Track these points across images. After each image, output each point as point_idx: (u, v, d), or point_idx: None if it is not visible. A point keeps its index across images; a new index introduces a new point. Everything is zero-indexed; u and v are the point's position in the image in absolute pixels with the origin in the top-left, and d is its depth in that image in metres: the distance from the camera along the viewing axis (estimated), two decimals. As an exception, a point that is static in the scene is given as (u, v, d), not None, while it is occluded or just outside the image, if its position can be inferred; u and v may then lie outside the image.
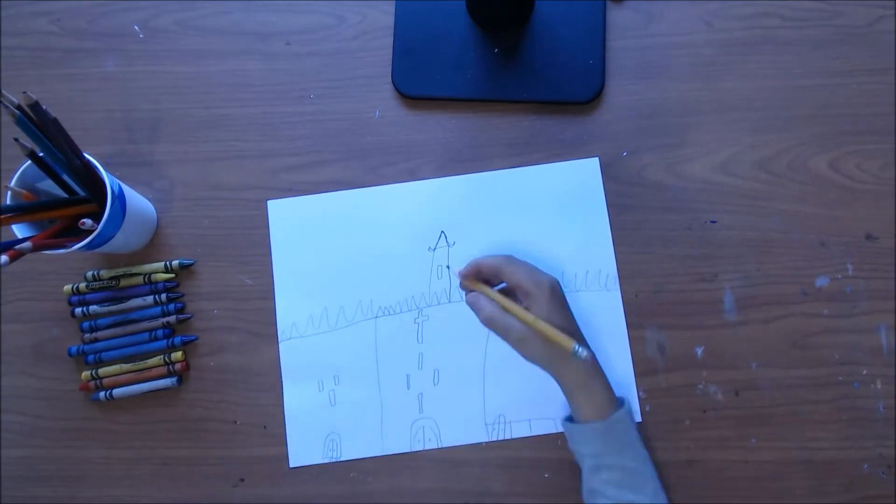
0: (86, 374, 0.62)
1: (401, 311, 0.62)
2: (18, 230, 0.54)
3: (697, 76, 0.64)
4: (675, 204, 0.62)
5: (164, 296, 0.63)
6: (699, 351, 0.61)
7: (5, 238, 0.54)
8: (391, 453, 0.61)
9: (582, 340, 0.53)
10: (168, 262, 0.63)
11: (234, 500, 0.61)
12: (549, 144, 0.64)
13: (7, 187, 0.54)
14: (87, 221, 0.52)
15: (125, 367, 0.62)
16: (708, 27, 0.65)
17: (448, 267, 0.59)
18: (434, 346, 0.62)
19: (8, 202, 0.54)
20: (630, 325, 0.61)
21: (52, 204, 0.55)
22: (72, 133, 0.52)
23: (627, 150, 0.63)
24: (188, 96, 0.66)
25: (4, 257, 0.48)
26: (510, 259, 0.54)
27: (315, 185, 0.65)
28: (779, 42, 0.64)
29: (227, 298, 0.64)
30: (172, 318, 0.63)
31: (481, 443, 0.61)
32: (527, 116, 0.65)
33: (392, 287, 0.63)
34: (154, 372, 0.62)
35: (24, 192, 0.55)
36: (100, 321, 0.63)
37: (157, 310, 0.63)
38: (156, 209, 0.65)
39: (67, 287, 0.63)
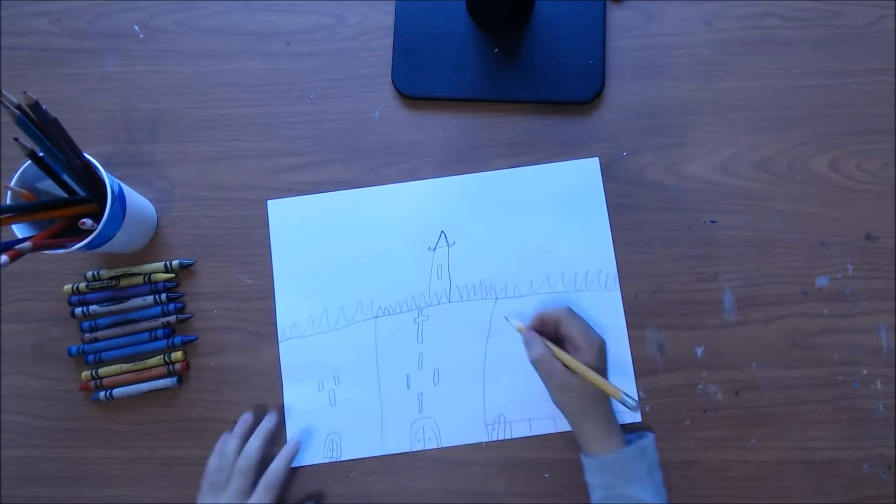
0: (86, 374, 0.62)
1: (401, 311, 0.62)
2: (18, 230, 0.54)
3: (697, 76, 0.64)
4: (675, 204, 0.62)
5: (164, 296, 0.63)
6: (699, 351, 0.61)
7: (5, 238, 0.54)
8: (391, 453, 0.61)
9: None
10: (168, 262, 0.63)
11: (234, 500, 0.61)
12: (549, 144, 0.64)
13: (7, 187, 0.54)
14: (87, 221, 0.52)
15: (125, 367, 0.62)
16: (708, 27, 0.65)
17: (506, 318, 0.60)
18: (434, 345, 0.62)
19: (8, 202, 0.54)
20: (630, 325, 0.61)
21: (52, 204, 0.55)
22: (72, 133, 0.52)
23: (627, 150, 0.63)
24: (188, 96, 0.66)
25: (4, 257, 0.48)
26: (569, 312, 0.56)
27: (315, 185, 0.65)
28: (779, 42, 0.64)
29: (227, 298, 0.64)
30: (172, 318, 0.63)
31: (481, 443, 0.61)
32: (527, 116, 0.65)
33: (392, 287, 0.63)
34: (154, 372, 0.62)
35: (24, 192, 0.55)
36: (100, 321, 0.63)
37: (157, 310, 0.63)
38: (156, 209, 0.65)
39: (67, 287, 0.63)
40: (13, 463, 0.63)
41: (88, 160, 0.54)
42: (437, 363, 0.62)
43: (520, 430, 0.60)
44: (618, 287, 0.62)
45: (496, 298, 0.62)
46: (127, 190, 0.59)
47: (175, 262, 0.63)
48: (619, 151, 0.64)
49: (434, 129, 0.65)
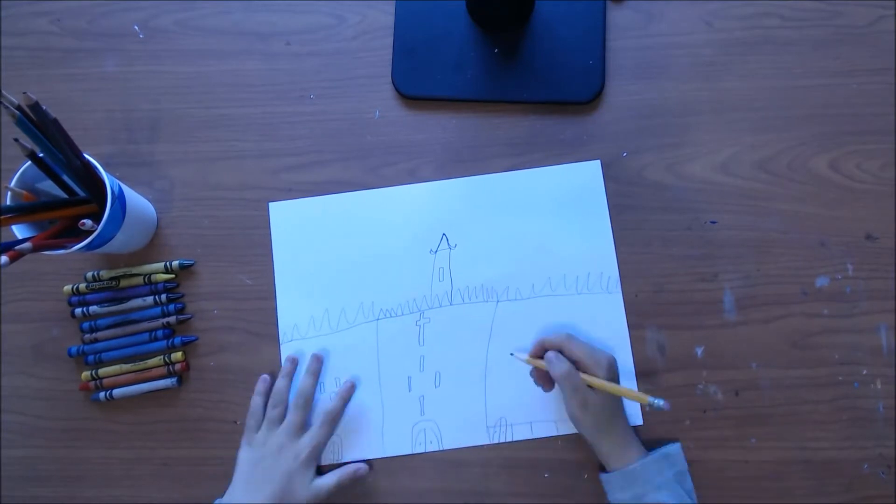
0: (86, 374, 0.62)
1: (402, 314, 0.62)
2: (18, 230, 0.54)
3: (697, 76, 0.64)
4: (675, 204, 0.62)
5: (164, 296, 0.63)
6: (699, 351, 0.61)
7: (5, 238, 0.54)
8: (392, 455, 0.61)
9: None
10: (168, 263, 0.63)
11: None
12: (549, 144, 0.64)
13: (7, 187, 0.54)
14: (87, 222, 0.52)
15: (125, 367, 0.62)
16: (708, 27, 0.65)
17: (512, 354, 0.60)
18: (435, 348, 0.62)
19: (8, 202, 0.54)
20: (630, 326, 0.61)
21: (52, 204, 0.55)
22: (72, 133, 0.52)
23: (627, 150, 0.63)
24: (188, 96, 0.66)
25: (4, 258, 0.48)
26: (570, 337, 0.56)
27: (315, 185, 0.64)
28: (779, 42, 0.64)
29: (227, 298, 0.63)
30: (172, 319, 0.63)
31: (482, 444, 0.61)
32: (527, 116, 0.65)
33: (394, 289, 0.63)
34: (154, 372, 0.62)
35: (24, 192, 0.55)
36: (100, 321, 0.63)
37: (157, 310, 0.63)
38: (156, 209, 0.65)
39: (67, 287, 0.63)
40: (13, 463, 0.63)
41: (88, 160, 0.54)
42: (439, 365, 0.62)
43: (521, 433, 0.60)
44: (619, 290, 0.62)
45: (497, 301, 0.62)
46: (127, 190, 0.59)
47: (175, 263, 0.63)
48: (619, 151, 0.64)
49: (434, 129, 0.65)
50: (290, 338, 0.62)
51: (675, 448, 0.57)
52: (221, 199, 0.65)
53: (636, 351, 0.61)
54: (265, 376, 0.62)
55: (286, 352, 0.62)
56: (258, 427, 0.60)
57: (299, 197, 0.64)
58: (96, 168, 0.54)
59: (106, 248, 0.58)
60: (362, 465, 0.60)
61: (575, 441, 0.59)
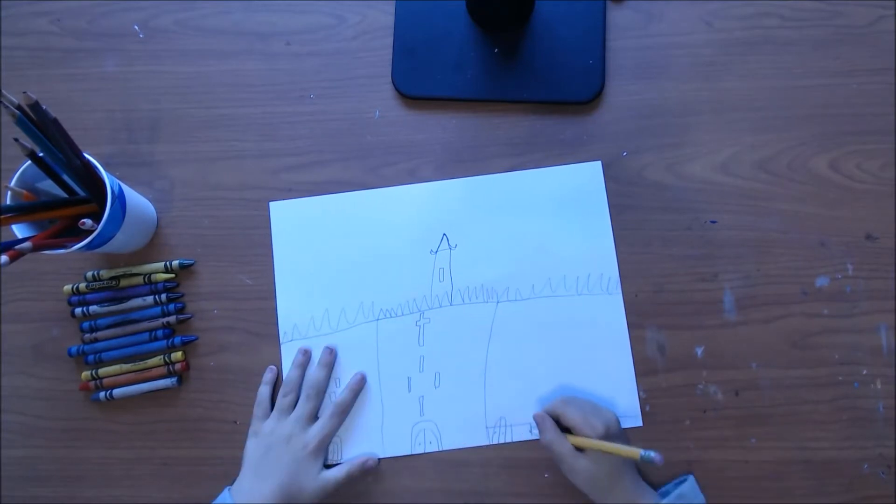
0: (86, 374, 0.62)
1: (402, 314, 0.62)
2: (18, 230, 0.54)
3: (697, 76, 0.64)
4: (675, 204, 0.62)
5: (164, 296, 0.63)
6: (699, 351, 0.61)
7: (5, 238, 0.54)
8: (392, 456, 0.61)
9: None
10: (168, 262, 0.63)
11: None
12: (550, 144, 0.64)
13: (7, 187, 0.54)
14: (87, 221, 0.52)
15: (125, 367, 0.62)
16: (708, 27, 0.65)
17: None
18: (435, 348, 0.62)
19: (8, 202, 0.54)
20: (630, 326, 0.61)
21: (52, 204, 0.55)
22: (72, 133, 0.52)
23: (627, 150, 0.63)
24: (188, 96, 0.66)
25: (4, 257, 0.48)
26: (566, 402, 0.57)
27: (315, 185, 0.64)
28: (779, 42, 0.64)
29: (227, 298, 0.64)
30: (172, 318, 0.63)
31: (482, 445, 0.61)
32: (527, 116, 0.65)
33: (394, 289, 0.63)
34: (154, 372, 0.62)
35: (24, 192, 0.55)
36: (100, 321, 0.63)
37: (157, 310, 0.63)
38: (156, 209, 0.65)
39: (67, 287, 0.63)
40: (13, 463, 0.63)
41: (88, 160, 0.54)
42: (439, 366, 0.62)
43: (521, 434, 0.60)
44: (619, 291, 0.61)
45: (497, 301, 0.62)
46: (127, 190, 0.59)
47: (175, 263, 0.63)
48: (619, 151, 0.64)
49: (434, 129, 0.65)
50: (290, 338, 0.62)
51: (687, 487, 0.56)
52: (221, 199, 0.65)
53: (636, 351, 0.61)
54: (272, 366, 0.62)
55: (286, 352, 0.62)
56: (266, 416, 0.60)
57: (299, 197, 0.64)
58: (96, 168, 0.54)
59: (106, 248, 0.58)
60: (371, 457, 0.60)
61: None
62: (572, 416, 0.55)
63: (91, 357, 0.63)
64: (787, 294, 0.61)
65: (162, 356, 0.62)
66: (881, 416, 0.59)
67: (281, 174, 0.65)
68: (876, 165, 0.62)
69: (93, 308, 0.63)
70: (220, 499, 0.56)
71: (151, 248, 0.65)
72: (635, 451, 0.49)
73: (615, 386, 0.60)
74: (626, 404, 0.60)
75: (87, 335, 0.63)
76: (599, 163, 0.63)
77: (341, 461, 0.60)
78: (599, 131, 0.64)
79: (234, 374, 0.63)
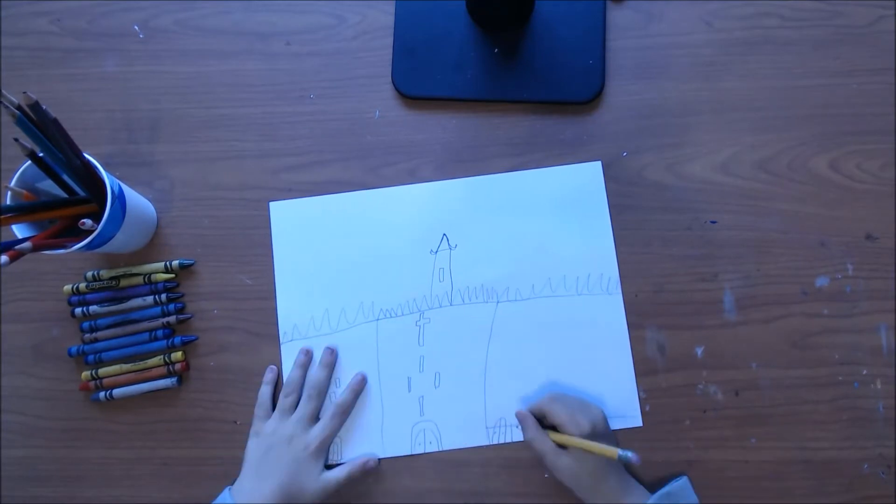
0: (86, 374, 0.62)
1: (402, 314, 0.62)
2: (18, 230, 0.54)
3: (697, 76, 0.64)
4: (675, 204, 0.62)
5: (164, 296, 0.63)
6: (699, 351, 0.61)
7: (5, 238, 0.54)
8: (392, 456, 0.61)
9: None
10: (168, 262, 0.63)
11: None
12: (550, 144, 0.64)
13: (7, 187, 0.54)
14: (87, 221, 0.52)
15: (125, 367, 0.62)
16: (708, 27, 0.65)
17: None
18: (435, 348, 0.62)
19: (8, 202, 0.54)
20: (630, 325, 0.61)
21: (52, 204, 0.55)
22: (72, 133, 0.52)
23: (627, 150, 0.63)
24: (188, 96, 0.66)
25: (4, 257, 0.48)
26: (552, 399, 0.56)
27: (315, 185, 0.64)
28: (779, 42, 0.64)
29: (227, 298, 0.64)
30: (172, 318, 0.63)
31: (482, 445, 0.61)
32: (527, 116, 0.65)
33: (394, 289, 0.63)
34: (154, 372, 0.62)
35: (24, 192, 0.55)
36: (100, 321, 0.63)
37: (157, 310, 0.63)
38: (156, 209, 0.65)
39: (67, 287, 0.63)
40: (13, 463, 0.63)
41: (88, 160, 0.54)
42: (439, 366, 0.62)
43: (521, 434, 0.60)
44: (619, 291, 0.61)
45: (497, 302, 0.62)
46: (127, 190, 0.59)
47: (175, 263, 0.63)
48: (619, 151, 0.64)
49: (434, 129, 0.65)
50: (290, 338, 0.62)
51: (676, 486, 0.56)
52: (221, 199, 0.65)
53: (636, 351, 0.61)
54: (272, 366, 0.62)
55: (286, 352, 0.62)
56: (267, 416, 0.60)
57: (299, 197, 0.64)
58: (96, 168, 0.54)
59: (106, 248, 0.58)
60: (371, 457, 0.60)
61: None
62: (558, 414, 0.55)
63: (91, 357, 0.63)
64: (787, 294, 0.61)
65: (162, 356, 0.62)
66: (881, 416, 0.59)
67: (281, 174, 0.65)
68: (876, 165, 0.62)
69: (93, 308, 0.63)
70: (220, 499, 0.56)
71: (151, 248, 0.65)
72: (613, 451, 0.50)
73: (615, 386, 0.60)
74: (626, 404, 0.60)
75: (87, 335, 0.63)
76: (599, 163, 0.63)
77: (342, 461, 0.60)
78: (599, 131, 0.64)
79: (234, 374, 0.63)
